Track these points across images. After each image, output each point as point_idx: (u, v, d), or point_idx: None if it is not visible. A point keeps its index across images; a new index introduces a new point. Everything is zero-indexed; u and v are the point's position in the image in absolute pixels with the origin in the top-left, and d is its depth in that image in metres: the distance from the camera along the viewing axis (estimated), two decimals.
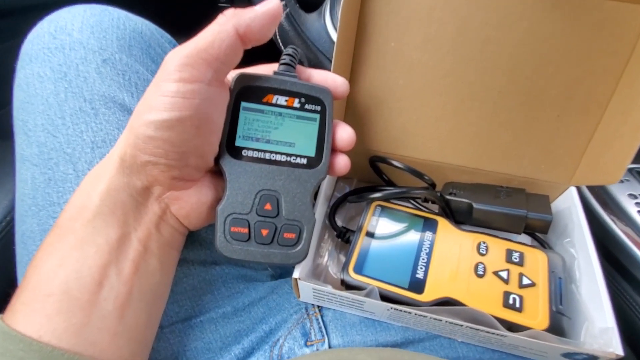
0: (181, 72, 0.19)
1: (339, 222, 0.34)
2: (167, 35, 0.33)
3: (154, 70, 0.29)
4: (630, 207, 0.42)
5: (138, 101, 0.26)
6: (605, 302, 0.24)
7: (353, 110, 0.33)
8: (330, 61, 0.28)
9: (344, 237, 0.31)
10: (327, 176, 0.25)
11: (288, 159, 0.24)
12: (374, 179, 0.35)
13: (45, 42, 0.26)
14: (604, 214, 0.42)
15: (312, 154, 0.24)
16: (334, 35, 0.35)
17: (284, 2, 0.24)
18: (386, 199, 0.31)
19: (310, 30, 0.34)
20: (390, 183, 0.35)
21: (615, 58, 0.27)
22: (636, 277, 0.38)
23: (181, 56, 0.19)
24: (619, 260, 0.40)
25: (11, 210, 0.31)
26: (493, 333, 0.23)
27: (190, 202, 0.22)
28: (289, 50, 0.25)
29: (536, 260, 0.27)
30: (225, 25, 0.20)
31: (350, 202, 0.33)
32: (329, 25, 0.35)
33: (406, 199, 0.33)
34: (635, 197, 0.43)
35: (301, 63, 0.27)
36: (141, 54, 0.28)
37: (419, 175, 0.29)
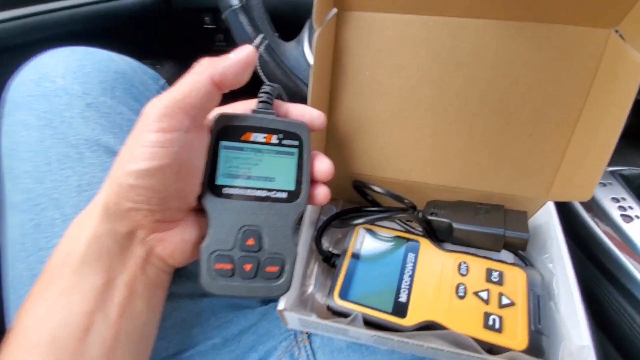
0: (160, 123, 0.20)
1: (326, 245, 0.35)
2: (150, 71, 0.34)
3: (137, 109, 0.30)
4: (613, 210, 0.43)
5: (122, 142, 0.27)
6: (582, 320, 0.24)
7: (334, 135, 0.34)
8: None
9: (330, 262, 0.31)
10: None
11: (268, 194, 0.25)
12: (359, 200, 0.36)
13: (29, 89, 0.27)
14: (588, 217, 0.43)
15: (292, 187, 0.25)
16: (312, 62, 0.36)
17: (262, 35, 0.25)
18: (369, 223, 0.32)
19: (289, 59, 0.34)
20: (375, 203, 0.36)
21: (580, 79, 0.28)
22: (620, 280, 0.39)
23: (160, 107, 0.20)
24: (603, 264, 0.41)
25: None
26: (474, 356, 0.24)
27: (174, 242, 0.23)
28: (266, 88, 0.26)
29: (515, 279, 0.28)
30: (201, 75, 0.21)
31: (335, 227, 0.33)
32: (307, 52, 0.36)
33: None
34: (617, 200, 0.44)
35: (280, 97, 0.27)
36: (124, 95, 0.29)
37: (398, 199, 0.30)
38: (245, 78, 0.22)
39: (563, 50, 0.27)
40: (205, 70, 0.21)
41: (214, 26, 0.60)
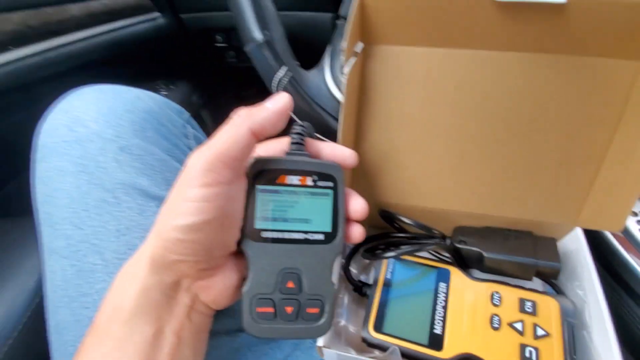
0: (204, 178, 0.20)
1: (354, 272, 0.35)
2: (174, 105, 0.34)
3: (167, 148, 0.30)
4: (631, 224, 0.43)
5: (156, 183, 0.27)
6: (615, 350, 0.25)
7: (361, 165, 0.34)
8: (332, 117, 0.29)
9: (361, 291, 0.32)
10: None
11: (305, 236, 0.25)
12: (385, 225, 0.36)
13: (61, 135, 0.27)
14: (617, 243, 0.43)
15: (328, 229, 0.25)
16: (333, 90, 0.36)
17: (286, 67, 0.25)
18: (399, 256, 0.32)
19: (311, 88, 0.35)
20: (401, 229, 0.36)
21: (610, 110, 0.28)
22: (638, 293, 0.39)
23: (203, 162, 0.20)
24: (622, 278, 0.41)
25: (38, 292, 0.32)
26: None
27: (217, 288, 0.23)
28: (298, 129, 0.26)
29: (548, 309, 0.28)
30: (240, 128, 0.21)
31: (364, 258, 0.34)
32: (329, 80, 0.36)
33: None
34: (635, 214, 0.44)
35: (310, 135, 0.28)
36: (154, 135, 0.29)
37: (427, 230, 0.30)
38: (282, 126, 0.22)
39: (592, 82, 0.27)
40: (245, 123, 0.21)
41: (225, 44, 0.61)
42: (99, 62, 0.46)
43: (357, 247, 0.35)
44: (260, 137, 0.22)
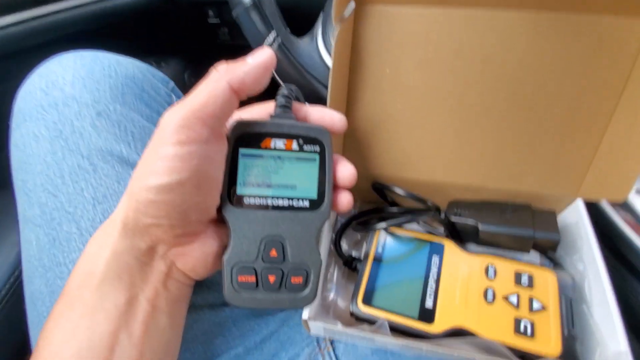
0: (178, 135, 0.19)
1: (345, 247, 0.34)
2: (159, 74, 0.33)
3: (148, 115, 0.28)
4: (637, 203, 0.42)
5: (136, 151, 0.26)
6: (618, 324, 0.24)
7: (353, 135, 0.33)
8: (324, 86, 0.28)
9: (351, 266, 0.31)
10: None
11: (290, 202, 0.24)
12: (377, 200, 0.35)
13: (37, 99, 0.26)
14: (610, 209, 0.42)
15: (314, 195, 0.24)
16: (326, 58, 0.34)
17: (275, 32, 0.24)
18: (392, 226, 0.31)
19: (302, 56, 0.33)
20: (395, 204, 0.35)
21: (616, 73, 0.26)
22: None
23: (177, 119, 0.19)
24: (626, 258, 0.39)
25: (19, 264, 0.31)
26: None
27: (195, 256, 0.22)
28: (284, 91, 0.25)
29: (546, 282, 0.27)
30: (218, 83, 0.20)
31: (355, 231, 0.32)
32: (322, 48, 0.34)
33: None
34: None
35: (297, 99, 0.26)
36: (135, 101, 0.28)
37: (421, 201, 0.29)
38: (264, 84, 0.21)
39: (598, 42, 0.25)
40: (223, 77, 0.20)
41: (217, 20, 0.59)
42: (87, 34, 0.44)
43: (348, 222, 0.34)
44: (241, 93, 0.20)
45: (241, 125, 0.23)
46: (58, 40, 0.41)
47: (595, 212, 0.42)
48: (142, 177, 0.19)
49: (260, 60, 0.20)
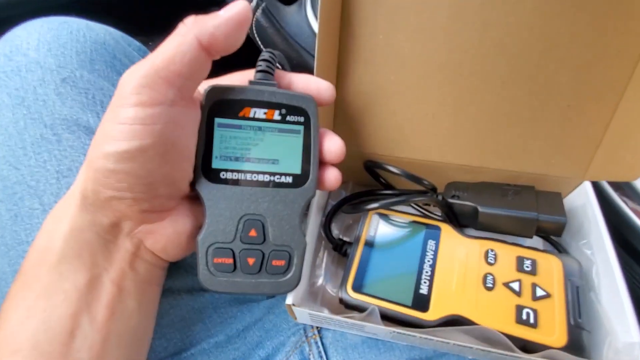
0: (138, 95, 0.17)
1: (336, 232, 0.32)
2: (135, 42, 0.30)
3: None
4: None
5: None
6: (629, 312, 0.22)
7: (343, 110, 0.30)
8: (313, 56, 0.25)
9: (341, 250, 0.29)
10: None
11: (272, 178, 0.22)
12: (370, 182, 0.33)
13: (1, 65, 0.24)
14: (616, 196, 0.40)
15: (298, 170, 0.22)
16: (316, 28, 0.32)
17: None
18: (384, 208, 0.29)
19: (290, 25, 0.31)
20: (389, 186, 0.33)
21: (632, 37, 0.24)
22: None
23: (137, 77, 0.17)
24: (633, 247, 0.37)
25: None
26: (507, 354, 0.22)
27: (165, 235, 0.20)
28: (265, 55, 0.22)
29: (550, 268, 0.25)
30: (185, 37, 0.17)
31: (345, 213, 0.30)
32: (311, 17, 0.32)
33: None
34: None
35: (281, 66, 0.24)
36: (105, 68, 0.26)
37: (417, 180, 0.27)
38: (238, 41, 0.19)
39: (613, 2, 0.23)
40: (191, 31, 0.17)
41: None
42: (65, 8, 0.42)
43: (339, 204, 0.32)
44: (212, 51, 0.18)
45: (216, 90, 0.21)
46: (35, 11, 0.39)
47: (601, 201, 0.40)
48: (100, 144, 0.17)
49: (233, 12, 0.18)
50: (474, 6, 0.25)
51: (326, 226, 0.30)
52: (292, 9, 0.32)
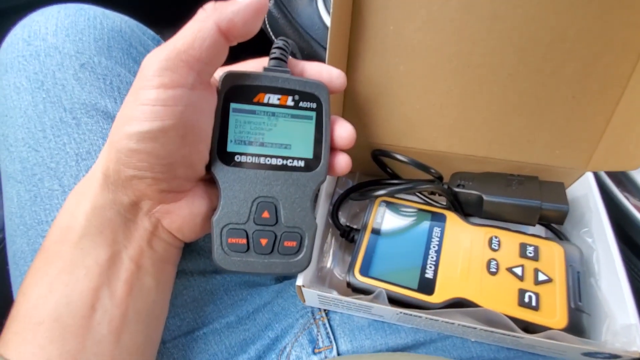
0: (160, 77, 0.17)
1: (343, 220, 0.33)
2: (150, 32, 0.31)
3: (136, 71, 0.27)
4: None
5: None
6: (628, 296, 0.22)
7: (352, 100, 0.31)
8: (325, 49, 0.26)
9: (349, 237, 0.29)
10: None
11: (284, 162, 0.22)
12: (377, 172, 0.34)
13: (19, 49, 0.25)
14: (618, 191, 0.40)
15: (310, 155, 0.23)
16: (327, 21, 0.32)
17: None
18: (391, 195, 0.29)
19: (301, 17, 0.31)
20: (395, 176, 0.33)
21: (636, 30, 0.24)
22: None
23: (159, 60, 0.18)
24: (634, 241, 0.38)
25: (2, 223, 0.30)
26: (509, 335, 0.22)
27: (182, 215, 0.21)
28: (279, 42, 0.23)
29: (552, 254, 0.25)
30: (205, 22, 0.18)
31: (353, 200, 0.31)
32: (322, 9, 0.32)
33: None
34: None
35: (293, 55, 0.25)
36: (122, 55, 0.26)
37: (424, 168, 0.28)
38: (256, 27, 0.19)
39: None
40: (210, 17, 0.18)
41: None
42: None
43: (347, 193, 0.32)
44: (230, 36, 0.19)
45: (232, 76, 0.21)
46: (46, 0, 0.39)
47: (604, 196, 0.40)
48: (123, 124, 0.18)
49: (252, 0, 0.18)
50: None
51: (334, 213, 0.31)
52: (304, 1, 0.33)
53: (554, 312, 0.23)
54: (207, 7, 0.19)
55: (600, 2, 0.24)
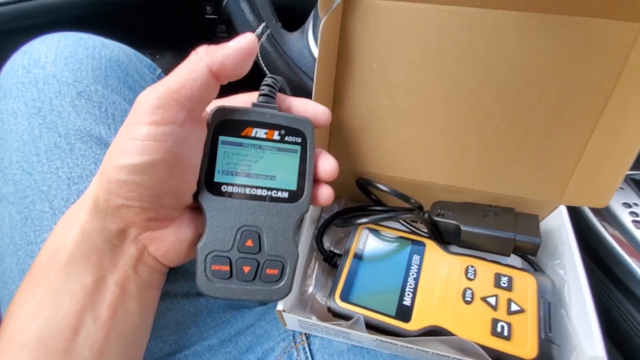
0: (153, 115, 0.19)
1: (327, 245, 0.34)
2: (146, 60, 0.32)
3: (132, 99, 0.28)
4: (624, 215, 0.41)
5: (115, 133, 0.25)
6: (595, 329, 0.23)
7: (338, 131, 0.32)
8: (313, 80, 0.27)
9: (331, 262, 0.30)
10: None
11: (269, 193, 0.23)
12: (362, 198, 0.35)
13: (19, 76, 0.26)
14: (596, 221, 0.42)
15: (294, 187, 0.24)
16: (316, 54, 0.34)
17: (264, 24, 0.24)
18: (373, 223, 0.30)
19: (292, 50, 0.33)
20: (379, 203, 0.35)
21: (604, 76, 0.26)
22: (629, 287, 0.38)
23: (153, 97, 0.19)
24: (612, 271, 0.39)
25: None
26: None
27: (168, 242, 0.22)
28: (268, 80, 0.24)
29: (525, 285, 0.26)
30: (197, 65, 0.19)
31: (337, 226, 0.32)
32: (312, 43, 0.34)
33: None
34: (629, 205, 0.43)
35: (282, 90, 0.26)
36: (118, 84, 0.28)
37: (404, 198, 0.29)
38: (245, 69, 0.21)
39: (588, 45, 0.25)
40: (202, 60, 0.19)
41: (215, 16, 0.58)
42: (79, 21, 0.44)
43: (331, 218, 0.33)
44: (221, 78, 0.20)
45: (222, 111, 0.23)
46: (50, 23, 0.41)
47: (578, 219, 0.42)
48: (114, 156, 0.19)
49: (241, 44, 0.20)
50: (461, 42, 0.27)
51: (318, 238, 0.32)
52: (295, 35, 0.34)
53: (525, 343, 0.24)
54: (200, 50, 0.20)
55: (571, 49, 0.26)
